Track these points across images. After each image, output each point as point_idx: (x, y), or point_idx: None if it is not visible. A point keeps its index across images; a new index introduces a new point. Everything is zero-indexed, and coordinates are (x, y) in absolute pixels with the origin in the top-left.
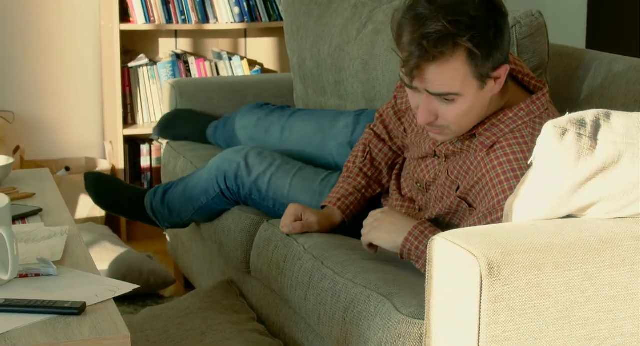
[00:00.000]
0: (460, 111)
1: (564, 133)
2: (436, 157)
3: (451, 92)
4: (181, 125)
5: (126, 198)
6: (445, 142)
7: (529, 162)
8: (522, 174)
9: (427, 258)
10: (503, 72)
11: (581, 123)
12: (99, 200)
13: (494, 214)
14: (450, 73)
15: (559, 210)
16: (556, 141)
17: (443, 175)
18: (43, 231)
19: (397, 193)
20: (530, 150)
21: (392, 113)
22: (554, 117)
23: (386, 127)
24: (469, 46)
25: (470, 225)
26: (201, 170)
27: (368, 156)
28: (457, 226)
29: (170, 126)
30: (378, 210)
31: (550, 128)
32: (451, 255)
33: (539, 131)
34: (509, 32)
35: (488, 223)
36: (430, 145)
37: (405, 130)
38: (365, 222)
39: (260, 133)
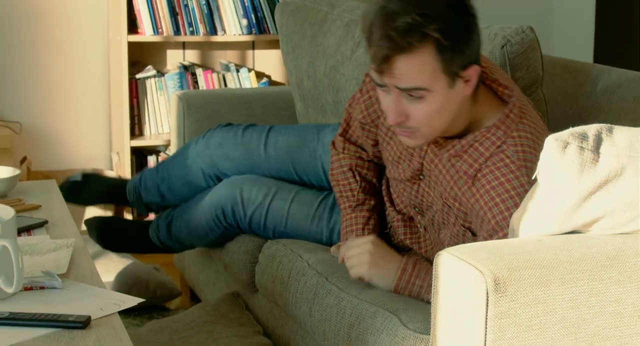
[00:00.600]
0: (431, 110)
1: (565, 147)
2: (422, 178)
3: (420, 86)
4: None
5: (132, 237)
6: (417, 146)
7: (532, 177)
8: (517, 193)
9: (433, 273)
10: (473, 73)
11: (583, 137)
12: (106, 245)
13: (495, 235)
14: (419, 66)
15: (565, 225)
16: (558, 154)
17: (439, 201)
18: (48, 243)
19: (393, 210)
20: (519, 168)
21: (358, 126)
22: (534, 122)
23: (356, 142)
24: (438, 37)
25: None
26: (199, 204)
27: (358, 177)
28: None
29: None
30: (362, 240)
31: (552, 142)
32: (457, 271)
33: (523, 144)
34: (479, 34)
35: None
36: (416, 164)
37: (376, 143)
38: (350, 252)
39: (240, 153)
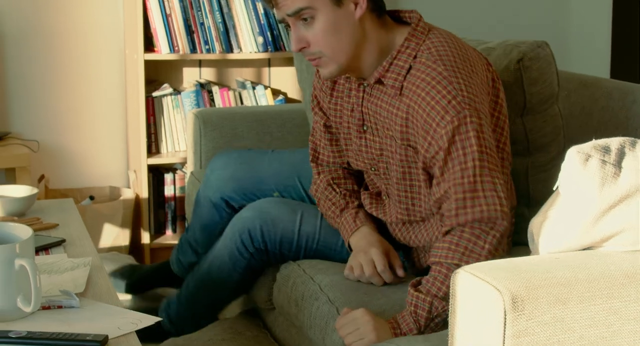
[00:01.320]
0: (323, 29)
1: (587, 159)
2: (366, 129)
3: (302, 6)
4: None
5: (157, 279)
6: (333, 76)
7: (554, 188)
8: (442, 86)
9: (451, 292)
10: None
11: (605, 150)
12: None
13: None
14: None
15: (584, 238)
16: (580, 167)
17: (385, 142)
18: (66, 262)
19: (367, 195)
20: (435, 62)
21: (323, 139)
22: (441, 32)
23: (328, 162)
24: None
25: (442, 189)
26: (217, 247)
27: (337, 188)
28: (422, 212)
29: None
30: (354, 316)
31: (574, 154)
32: (474, 289)
33: (436, 47)
34: None
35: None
36: (357, 114)
37: (337, 140)
38: (344, 331)
39: (244, 172)
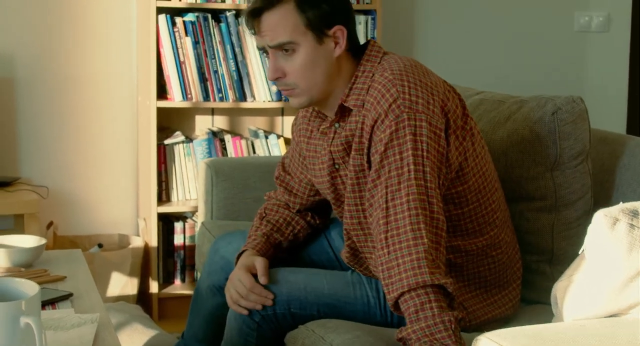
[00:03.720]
0: (302, 63)
1: (615, 223)
2: (337, 167)
3: (285, 40)
4: None
5: None
6: (302, 106)
7: (580, 251)
8: (388, 91)
9: None
10: (340, 33)
11: (634, 214)
12: None
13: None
14: (282, 21)
15: (610, 305)
16: (608, 230)
17: (352, 170)
18: (73, 318)
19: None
20: (392, 74)
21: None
22: (396, 55)
23: (289, 190)
24: None
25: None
26: (225, 338)
27: (263, 220)
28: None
29: None
30: None
31: (601, 217)
32: None
33: (391, 66)
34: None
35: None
36: (327, 154)
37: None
38: None
39: (244, 238)
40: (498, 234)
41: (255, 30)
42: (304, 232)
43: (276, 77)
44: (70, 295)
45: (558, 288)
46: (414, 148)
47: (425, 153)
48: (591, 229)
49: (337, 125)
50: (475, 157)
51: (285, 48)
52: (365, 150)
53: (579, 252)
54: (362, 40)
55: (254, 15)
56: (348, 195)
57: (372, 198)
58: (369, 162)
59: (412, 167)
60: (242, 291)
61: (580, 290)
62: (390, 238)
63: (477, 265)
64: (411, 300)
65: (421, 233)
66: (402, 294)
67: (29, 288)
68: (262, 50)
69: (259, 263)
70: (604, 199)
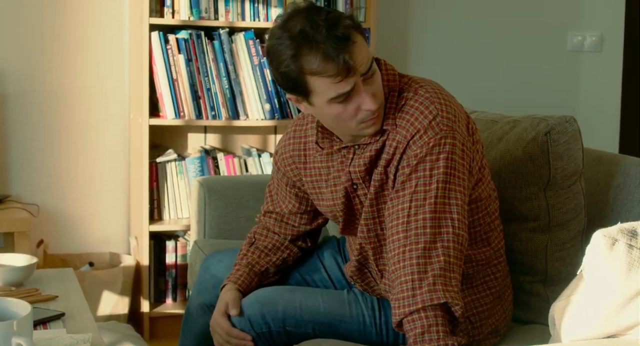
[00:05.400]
0: (380, 85)
1: (613, 244)
2: (356, 187)
3: (371, 63)
4: None
5: None
6: (377, 130)
7: (578, 271)
8: (427, 108)
9: None
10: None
11: (632, 234)
12: None
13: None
14: (364, 46)
15: (607, 326)
16: (606, 251)
17: (370, 187)
18: (65, 338)
19: (349, 265)
20: (425, 98)
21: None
22: (427, 81)
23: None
24: (357, 25)
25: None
26: None
27: (252, 246)
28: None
29: None
30: None
31: (599, 238)
32: None
33: (424, 90)
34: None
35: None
36: (345, 176)
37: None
38: None
39: (234, 255)
40: (499, 242)
41: (349, 63)
42: (293, 256)
43: (381, 103)
44: (62, 314)
45: (556, 308)
46: (445, 166)
47: (454, 172)
48: (590, 249)
49: (356, 146)
50: (481, 166)
51: (372, 72)
52: (395, 164)
53: (577, 272)
54: None
55: (345, 51)
56: (366, 210)
57: (392, 208)
58: (394, 175)
59: (440, 184)
60: (222, 338)
61: (578, 311)
62: (408, 253)
63: (484, 274)
64: (419, 320)
65: (437, 251)
66: (412, 312)
67: (21, 307)
68: (344, 94)
69: (230, 301)
70: (599, 219)
